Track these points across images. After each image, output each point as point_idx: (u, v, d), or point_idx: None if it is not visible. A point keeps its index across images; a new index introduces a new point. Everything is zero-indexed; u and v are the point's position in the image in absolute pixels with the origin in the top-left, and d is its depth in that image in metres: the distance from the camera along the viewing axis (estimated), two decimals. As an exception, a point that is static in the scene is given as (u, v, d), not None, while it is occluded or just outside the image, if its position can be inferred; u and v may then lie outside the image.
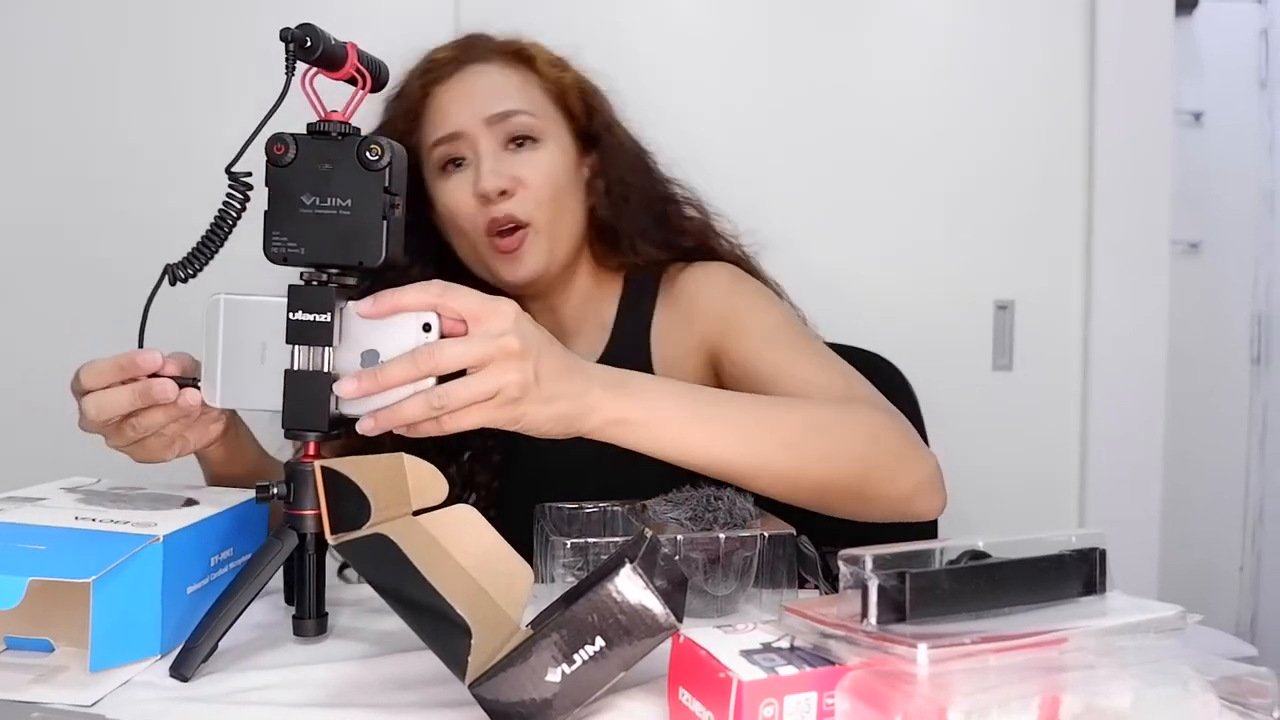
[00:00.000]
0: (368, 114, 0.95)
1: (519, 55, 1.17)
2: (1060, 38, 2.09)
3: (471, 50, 1.16)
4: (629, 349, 1.15)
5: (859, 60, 2.07)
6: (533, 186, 1.10)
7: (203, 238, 0.78)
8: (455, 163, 1.12)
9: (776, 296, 1.18)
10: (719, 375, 1.11)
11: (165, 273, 0.79)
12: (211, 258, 0.79)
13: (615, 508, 0.94)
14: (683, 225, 1.22)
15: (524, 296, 1.15)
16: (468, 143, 1.11)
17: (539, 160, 1.12)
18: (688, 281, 1.17)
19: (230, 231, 0.77)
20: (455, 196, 1.11)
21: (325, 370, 0.74)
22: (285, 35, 0.71)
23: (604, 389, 0.81)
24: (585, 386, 0.80)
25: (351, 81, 0.76)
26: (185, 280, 0.79)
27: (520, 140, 1.12)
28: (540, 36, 1.20)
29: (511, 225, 1.10)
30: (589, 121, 1.19)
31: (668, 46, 2.02)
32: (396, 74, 1.17)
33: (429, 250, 1.15)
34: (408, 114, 1.14)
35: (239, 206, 0.77)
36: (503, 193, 1.09)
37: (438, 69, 1.15)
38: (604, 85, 1.22)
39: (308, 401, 0.74)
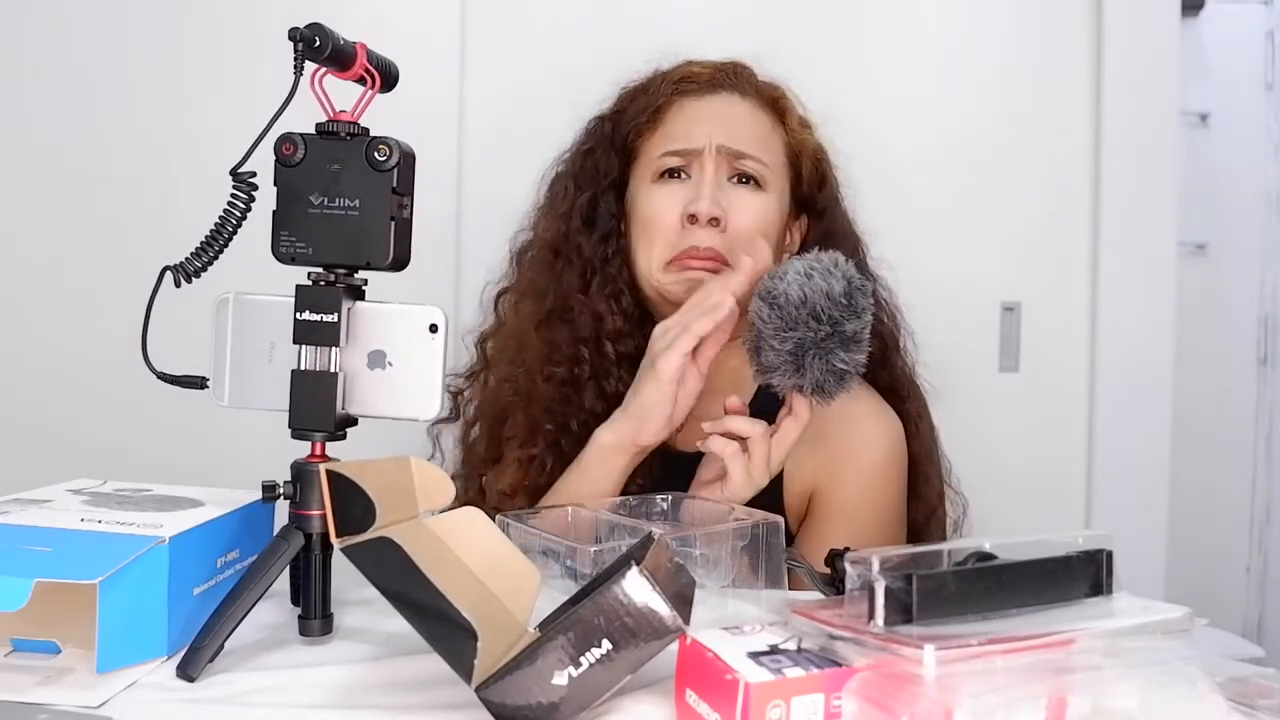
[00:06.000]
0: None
1: (774, 103, 1.18)
2: (1066, 39, 2.08)
3: (732, 77, 1.17)
4: None
5: (863, 62, 2.07)
6: (741, 227, 1.09)
7: (205, 238, 0.78)
8: (674, 175, 1.12)
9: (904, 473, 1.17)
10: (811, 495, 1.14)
11: (163, 275, 0.79)
12: (215, 259, 0.78)
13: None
14: (878, 327, 1.17)
15: None
16: (696, 161, 1.11)
17: (756, 203, 1.11)
18: (855, 421, 1.13)
19: (234, 233, 0.77)
20: (663, 207, 1.11)
21: (332, 370, 0.74)
22: (294, 35, 0.71)
23: None
24: None
25: (360, 81, 0.76)
26: (190, 280, 0.79)
27: (745, 179, 1.12)
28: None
29: (710, 256, 1.08)
30: (817, 190, 1.19)
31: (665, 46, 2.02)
32: (643, 69, 1.21)
33: (615, 244, 1.16)
34: (650, 111, 1.15)
35: (243, 207, 0.77)
36: (713, 220, 1.08)
37: (693, 82, 1.16)
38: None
39: (314, 401, 0.74)
